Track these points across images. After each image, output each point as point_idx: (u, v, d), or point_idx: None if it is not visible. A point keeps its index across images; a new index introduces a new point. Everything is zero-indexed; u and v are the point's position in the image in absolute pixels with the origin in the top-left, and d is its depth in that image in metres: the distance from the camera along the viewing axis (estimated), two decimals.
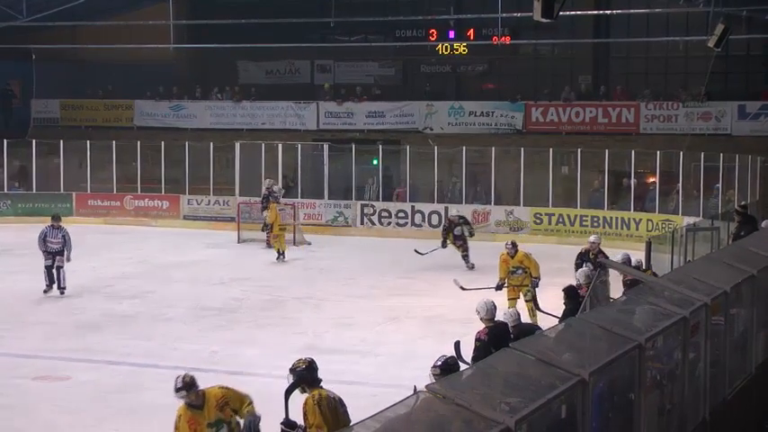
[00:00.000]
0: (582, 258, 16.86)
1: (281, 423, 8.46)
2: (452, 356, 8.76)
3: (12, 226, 29.12)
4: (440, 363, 8.52)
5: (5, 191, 31.56)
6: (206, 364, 14.45)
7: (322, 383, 8.35)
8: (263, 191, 26.83)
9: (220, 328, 16.90)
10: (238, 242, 26.90)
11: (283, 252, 24.08)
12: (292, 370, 8.50)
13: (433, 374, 8.46)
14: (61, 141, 31.31)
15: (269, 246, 25.38)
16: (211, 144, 30.34)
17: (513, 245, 16.40)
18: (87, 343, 15.75)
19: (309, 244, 26.29)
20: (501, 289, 16.68)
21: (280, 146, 29.87)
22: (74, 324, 17.23)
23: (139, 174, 31.04)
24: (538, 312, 15.61)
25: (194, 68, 35.49)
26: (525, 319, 13.30)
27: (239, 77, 35.64)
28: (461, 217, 23.51)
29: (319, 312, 17.96)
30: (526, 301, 16.04)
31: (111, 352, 15.16)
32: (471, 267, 22.31)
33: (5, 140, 31.14)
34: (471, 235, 23.21)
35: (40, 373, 14.06)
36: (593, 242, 17.14)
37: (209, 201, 30.39)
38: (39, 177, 31.48)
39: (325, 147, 30.01)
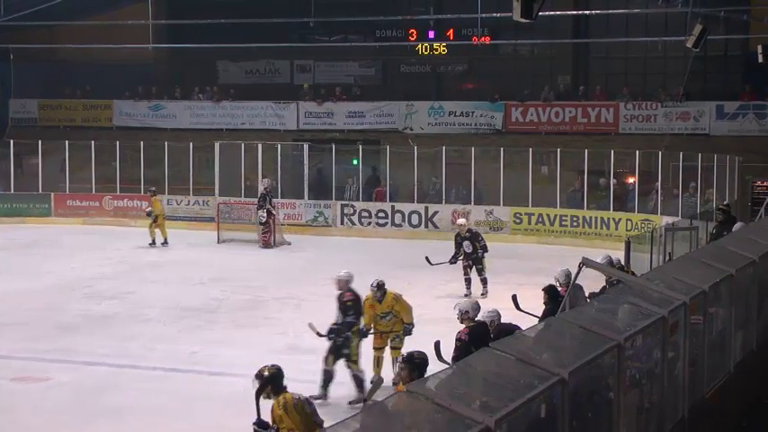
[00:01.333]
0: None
1: (254, 423, 8.61)
2: (419, 351, 8.82)
3: None
4: (405, 355, 8.80)
5: None
6: (186, 365, 14.46)
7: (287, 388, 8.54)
8: (261, 190, 26.71)
9: (200, 329, 16.88)
10: (218, 242, 26.86)
11: (165, 239, 26.14)
12: (258, 376, 8.70)
13: (400, 369, 8.57)
14: (39, 142, 31.18)
15: (265, 245, 25.52)
16: (191, 144, 30.28)
17: (380, 286, 13.40)
18: (66, 344, 15.69)
19: (290, 244, 26.29)
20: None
21: (260, 146, 29.83)
22: (53, 325, 17.14)
23: (118, 174, 30.92)
24: (522, 312, 13.76)
25: (174, 68, 35.40)
26: (387, 373, 12.21)
27: (219, 77, 35.59)
28: (470, 230, 20.50)
29: (300, 312, 17.93)
30: (392, 347, 13.35)
31: (91, 353, 15.11)
32: (484, 295, 19.33)
33: None
34: (481, 257, 19.98)
35: (19, 374, 14.01)
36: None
37: (189, 201, 30.31)
38: (17, 178, 31.34)
39: (306, 147, 29.99)
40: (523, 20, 14.78)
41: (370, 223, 28.81)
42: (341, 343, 12.90)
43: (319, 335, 12.93)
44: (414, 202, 28.82)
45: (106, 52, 31.35)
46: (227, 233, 27.14)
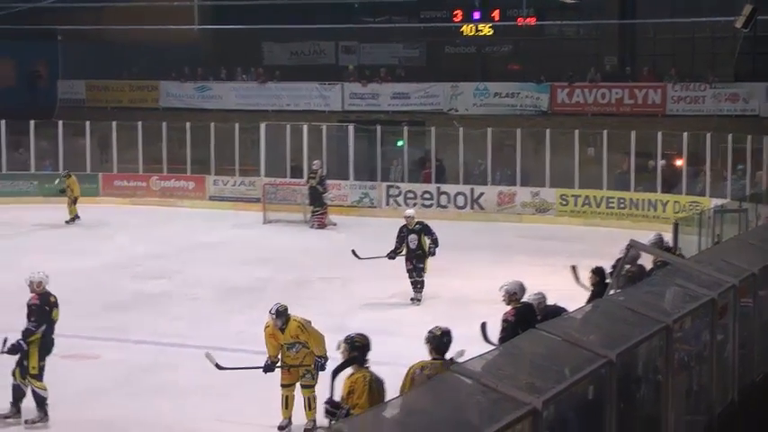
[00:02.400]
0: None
1: (326, 403, 8.48)
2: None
3: (38, 206, 29.31)
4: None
5: (32, 171, 31.72)
6: (233, 344, 14.56)
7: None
8: (321, 172, 26.80)
9: (247, 308, 16.97)
10: (264, 223, 26.99)
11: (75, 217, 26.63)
12: (349, 342, 8.58)
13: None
14: (88, 123, 31.44)
15: (320, 226, 25.65)
16: (237, 125, 30.41)
17: (279, 313, 11.27)
18: (115, 322, 15.88)
19: (335, 225, 26.36)
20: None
21: (305, 127, 29.89)
22: (102, 303, 17.35)
23: (165, 154, 31.14)
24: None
25: (219, 49, 35.52)
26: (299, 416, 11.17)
27: (264, 58, 35.67)
28: (420, 223, 17.95)
29: (345, 293, 18.00)
30: (303, 386, 11.27)
31: (139, 331, 15.30)
32: (417, 301, 17.46)
33: (32, 121, 31.30)
34: (431, 254, 17.66)
35: (69, 352, 14.16)
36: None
37: (235, 182, 30.48)
38: (65, 158, 31.64)
39: (351, 128, 30.02)
40: (569, 0, 14.70)
41: (415, 204, 28.75)
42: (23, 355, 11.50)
43: (218, 366, 11.28)
44: (459, 184, 28.76)
45: (152, 33, 31.55)
46: (273, 214, 27.25)
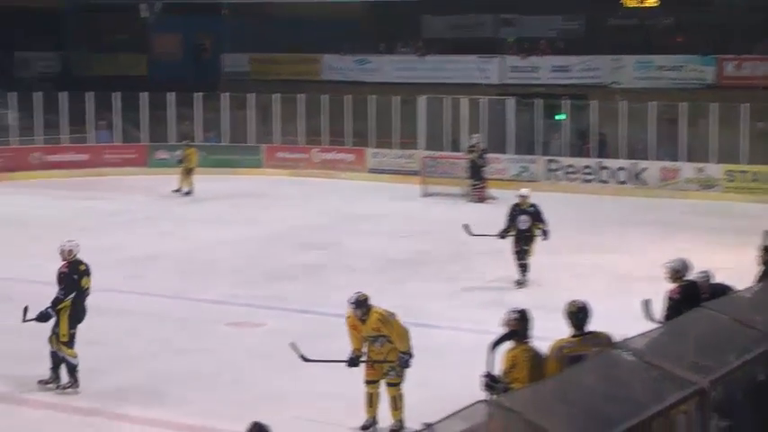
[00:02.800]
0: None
1: (484, 376, 8.47)
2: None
3: (202, 177, 30.14)
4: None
5: (197, 142, 32.59)
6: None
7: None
8: (482, 146, 26.84)
9: (406, 280, 17.12)
10: (422, 196, 27.10)
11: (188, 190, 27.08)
12: (520, 313, 8.56)
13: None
14: (253, 95, 32.10)
15: (480, 200, 25.66)
16: (396, 98, 30.57)
17: (359, 303, 10.26)
18: (277, 291, 16.22)
19: (495, 199, 26.25)
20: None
21: (465, 100, 29.81)
22: (263, 273, 17.75)
23: (327, 127, 31.56)
24: None
25: (378, 23, 35.73)
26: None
27: (422, 31, 35.71)
28: (533, 205, 16.98)
29: (504, 267, 17.91)
30: (388, 384, 10.34)
31: (300, 301, 15.58)
32: (521, 284, 16.68)
33: (197, 94, 32.15)
34: (544, 238, 16.75)
35: (233, 320, 14.57)
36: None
37: (394, 154, 30.69)
38: (227, 130, 32.43)
39: (510, 101, 29.82)
40: None
41: (575, 179, 28.43)
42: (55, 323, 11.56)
43: (303, 358, 10.51)
44: (621, 158, 28.26)
45: (314, 7, 31.95)
46: (432, 187, 27.33)
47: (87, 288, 11.69)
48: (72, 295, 11.48)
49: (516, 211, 16.73)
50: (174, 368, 12.28)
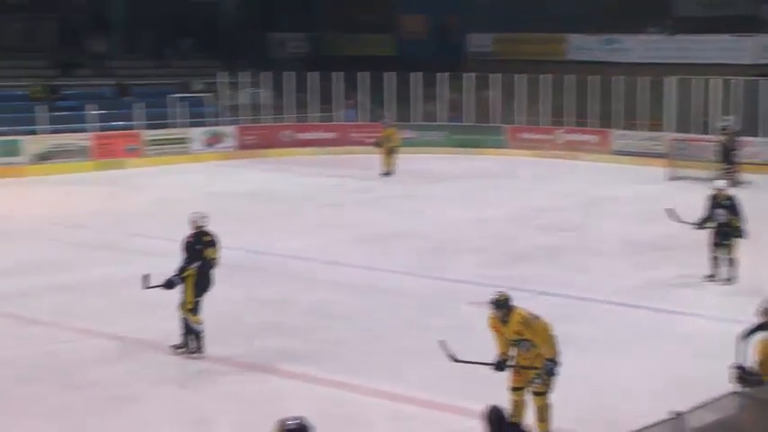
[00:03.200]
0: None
1: (735, 367, 8.23)
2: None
3: (446, 156, 30.44)
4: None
5: (440, 122, 32.91)
6: (635, 300, 14.45)
7: None
8: (733, 128, 26.02)
9: (651, 265, 16.75)
10: (668, 179, 26.38)
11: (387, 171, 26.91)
12: None
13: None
14: (497, 75, 32.08)
15: (734, 184, 24.80)
16: (644, 79, 29.87)
17: (499, 303, 9.40)
18: (519, 272, 16.16)
19: (748, 183, 25.24)
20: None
21: (717, 81, 28.78)
22: (505, 253, 17.78)
23: (573, 108, 31.19)
24: None
25: (626, 1, 34.91)
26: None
27: (673, 9, 34.66)
28: (730, 198, 15.94)
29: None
30: (534, 393, 9.35)
31: (541, 282, 15.47)
32: (711, 279, 15.66)
33: (441, 74, 32.40)
34: (741, 236, 15.64)
35: (474, 299, 14.61)
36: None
37: (640, 136, 30.03)
38: (471, 110, 32.56)
39: (766, 82, 28.60)
40: None
41: None
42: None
43: (452, 358, 9.55)
44: None
45: None
46: (679, 170, 26.56)
47: (213, 258, 11.95)
48: (196, 264, 11.79)
49: (713, 203, 15.86)
50: (414, 345, 12.45)
